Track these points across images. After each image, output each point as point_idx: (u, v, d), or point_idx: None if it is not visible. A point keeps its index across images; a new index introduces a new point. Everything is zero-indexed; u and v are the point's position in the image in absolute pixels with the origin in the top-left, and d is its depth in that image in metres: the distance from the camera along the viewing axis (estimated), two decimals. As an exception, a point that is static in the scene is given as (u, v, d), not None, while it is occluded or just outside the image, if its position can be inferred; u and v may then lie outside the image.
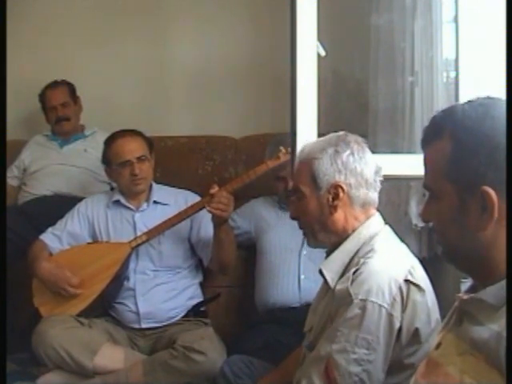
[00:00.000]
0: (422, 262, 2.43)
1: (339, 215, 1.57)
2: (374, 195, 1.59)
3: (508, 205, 0.96)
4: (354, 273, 1.45)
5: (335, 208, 1.56)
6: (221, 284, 2.77)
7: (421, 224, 2.45)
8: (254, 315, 2.61)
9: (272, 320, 2.44)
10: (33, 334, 2.39)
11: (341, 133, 1.62)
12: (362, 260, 1.48)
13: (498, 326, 0.93)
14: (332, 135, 1.63)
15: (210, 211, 2.38)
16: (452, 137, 1.01)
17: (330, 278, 1.54)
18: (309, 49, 1.94)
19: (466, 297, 1.03)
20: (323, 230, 1.59)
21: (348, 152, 1.56)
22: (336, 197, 1.56)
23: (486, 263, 1.00)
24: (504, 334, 0.91)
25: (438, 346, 1.08)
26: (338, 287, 1.48)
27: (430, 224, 1.12)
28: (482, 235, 0.99)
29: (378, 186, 1.60)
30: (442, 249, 1.09)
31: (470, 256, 1.02)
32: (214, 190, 2.39)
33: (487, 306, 0.97)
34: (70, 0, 3.56)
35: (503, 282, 0.96)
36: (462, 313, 1.04)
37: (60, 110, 3.23)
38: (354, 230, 1.57)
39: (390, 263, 1.47)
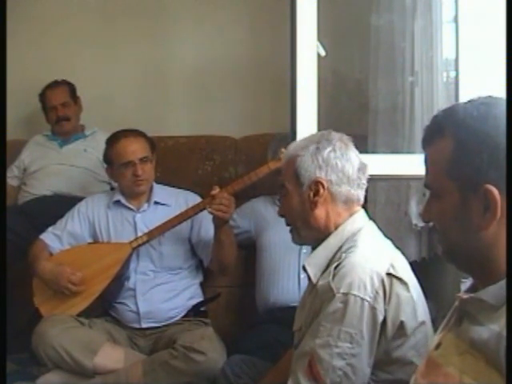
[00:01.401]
0: (422, 262, 2.45)
1: (320, 211, 1.57)
2: (357, 192, 1.58)
3: (508, 205, 0.96)
4: (336, 267, 1.45)
5: (315, 204, 1.56)
6: (221, 284, 2.77)
7: (421, 224, 2.45)
8: (254, 315, 2.61)
9: (272, 320, 2.44)
10: (33, 334, 2.39)
11: (325, 131, 1.63)
12: (343, 255, 1.48)
13: (498, 326, 0.93)
14: (316, 133, 1.65)
15: (211, 213, 2.38)
16: (454, 135, 1.01)
17: (313, 274, 1.54)
18: (309, 49, 1.94)
19: (465, 296, 1.03)
20: (305, 226, 1.60)
21: (329, 149, 1.56)
22: (316, 193, 1.56)
23: (487, 263, 1.00)
24: (504, 333, 0.91)
25: (438, 345, 1.07)
26: (321, 282, 1.48)
27: (430, 224, 1.12)
28: (483, 234, 0.99)
29: (363, 183, 1.60)
30: (443, 248, 1.09)
31: (471, 255, 1.02)
32: (216, 191, 2.39)
33: (487, 305, 0.97)
34: (71, 0, 3.56)
35: (503, 282, 0.96)
36: (462, 313, 1.04)
37: (60, 109, 3.23)
38: (337, 227, 1.57)
39: (371, 257, 1.47)
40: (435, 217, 1.07)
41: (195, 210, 2.51)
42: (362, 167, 1.59)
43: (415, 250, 2.48)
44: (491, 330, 0.94)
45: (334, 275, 1.44)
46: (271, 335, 2.33)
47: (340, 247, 1.53)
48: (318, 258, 1.56)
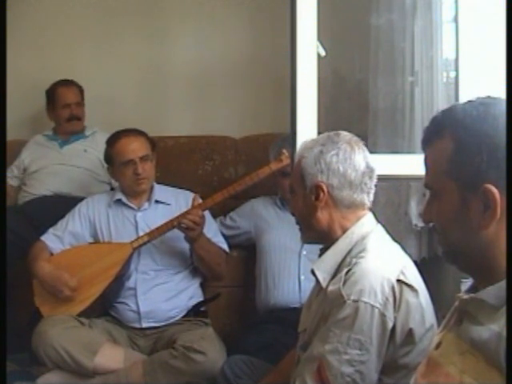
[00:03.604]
0: (422, 262, 2.45)
1: (322, 215, 1.56)
2: (360, 197, 1.56)
3: (508, 205, 0.96)
4: (347, 273, 1.44)
5: (315, 208, 1.55)
6: (221, 284, 2.77)
7: (421, 224, 2.45)
8: (254, 315, 2.61)
9: (272, 320, 2.44)
10: (33, 333, 2.39)
11: (333, 132, 1.61)
12: (354, 260, 1.47)
13: (498, 326, 0.93)
14: (325, 134, 1.61)
15: (180, 230, 2.44)
16: (453, 136, 1.02)
17: (322, 277, 1.53)
18: (309, 49, 1.94)
19: (466, 297, 1.03)
20: (309, 227, 1.60)
21: (333, 152, 1.54)
22: (317, 197, 1.55)
23: (487, 263, 1.00)
24: (504, 334, 0.91)
25: (439, 345, 1.07)
26: (331, 288, 1.47)
27: (431, 224, 1.12)
28: (483, 234, 0.99)
29: (369, 188, 1.57)
30: (443, 249, 1.09)
31: (471, 255, 1.02)
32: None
33: (487, 306, 0.97)
34: (72, 0, 3.56)
35: (503, 283, 0.96)
36: (463, 313, 1.04)
37: (74, 108, 3.24)
38: (345, 230, 1.55)
39: (382, 263, 1.46)
40: (435, 217, 1.07)
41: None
42: (368, 171, 1.56)
43: (415, 249, 2.49)
44: (491, 330, 0.94)
45: (344, 281, 1.43)
46: (271, 335, 2.33)
47: (349, 251, 1.52)
48: (327, 262, 1.55)
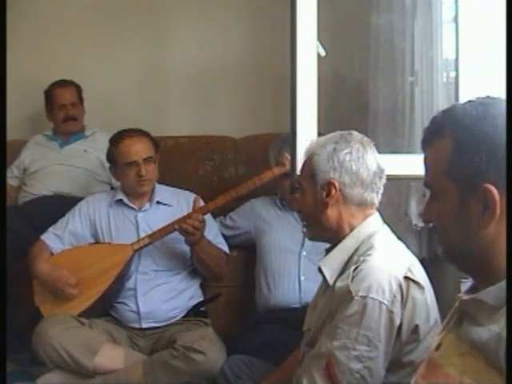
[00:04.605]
0: (422, 262, 2.45)
1: (332, 212, 1.57)
2: (371, 196, 1.58)
3: (508, 205, 0.96)
4: (354, 270, 1.45)
5: (326, 204, 1.56)
6: (221, 284, 2.77)
7: (421, 224, 2.45)
8: (254, 315, 2.61)
9: (272, 320, 2.44)
10: (33, 333, 2.38)
11: (346, 131, 1.62)
12: (361, 258, 1.48)
13: (498, 326, 0.93)
14: (337, 133, 1.63)
15: (180, 233, 2.45)
16: (453, 136, 1.02)
17: (329, 275, 1.54)
18: (309, 49, 1.94)
19: (466, 297, 1.03)
20: (317, 224, 1.61)
21: (346, 150, 1.56)
22: (328, 194, 1.56)
23: (487, 262, 1.00)
24: (504, 334, 0.91)
25: (439, 346, 1.07)
26: (338, 284, 1.48)
27: (430, 224, 1.12)
28: (483, 234, 0.99)
29: (379, 187, 1.59)
30: (443, 248, 1.09)
31: (471, 255, 1.02)
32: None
33: (487, 306, 0.97)
34: (72, 0, 3.56)
35: (503, 283, 0.96)
36: (462, 313, 1.04)
37: (70, 109, 3.23)
38: (352, 228, 1.57)
39: (389, 260, 1.47)
40: (435, 217, 1.07)
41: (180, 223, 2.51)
42: (379, 172, 1.58)
43: (415, 249, 2.49)
44: (491, 330, 0.94)
45: (352, 278, 1.44)
46: (271, 335, 2.33)
47: (356, 249, 1.53)
48: (333, 260, 1.56)
